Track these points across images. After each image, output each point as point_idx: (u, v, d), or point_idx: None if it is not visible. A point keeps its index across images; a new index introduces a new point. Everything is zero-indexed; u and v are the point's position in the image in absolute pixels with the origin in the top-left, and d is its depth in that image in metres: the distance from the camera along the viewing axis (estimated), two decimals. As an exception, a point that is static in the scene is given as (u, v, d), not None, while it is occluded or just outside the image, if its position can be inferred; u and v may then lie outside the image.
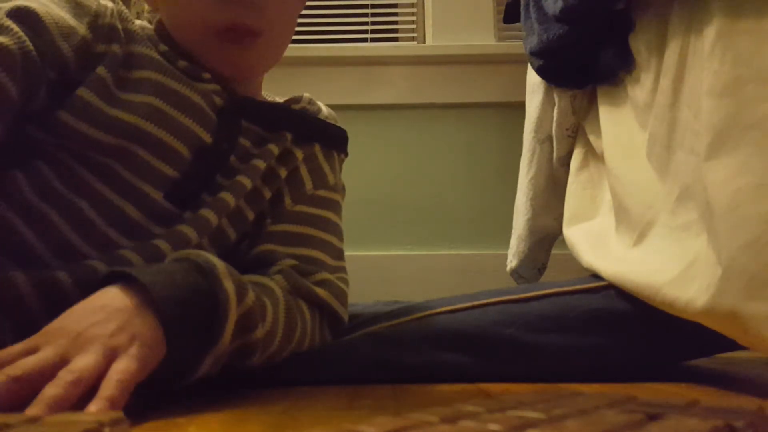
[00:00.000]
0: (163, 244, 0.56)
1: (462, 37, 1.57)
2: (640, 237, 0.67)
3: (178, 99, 0.60)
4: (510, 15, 0.97)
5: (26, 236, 0.54)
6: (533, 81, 0.94)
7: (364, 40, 1.67)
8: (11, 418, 0.31)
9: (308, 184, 0.70)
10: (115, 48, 0.59)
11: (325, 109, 0.75)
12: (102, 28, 0.59)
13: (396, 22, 1.72)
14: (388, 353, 0.65)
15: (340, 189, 0.74)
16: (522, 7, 0.89)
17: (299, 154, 0.69)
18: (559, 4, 0.74)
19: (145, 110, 0.58)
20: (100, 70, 0.58)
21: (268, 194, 0.66)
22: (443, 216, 1.48)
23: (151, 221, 0.58)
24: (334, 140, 0.74)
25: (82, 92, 0.57)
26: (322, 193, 0.70)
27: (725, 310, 0.53)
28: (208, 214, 0.60)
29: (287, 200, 0.68)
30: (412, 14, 1.70)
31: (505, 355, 0.66)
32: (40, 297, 0.51)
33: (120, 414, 0.32)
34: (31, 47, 0.53)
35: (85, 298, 0.45)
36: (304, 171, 0.70)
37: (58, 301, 0.48)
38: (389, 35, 1.71)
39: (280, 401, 0.51)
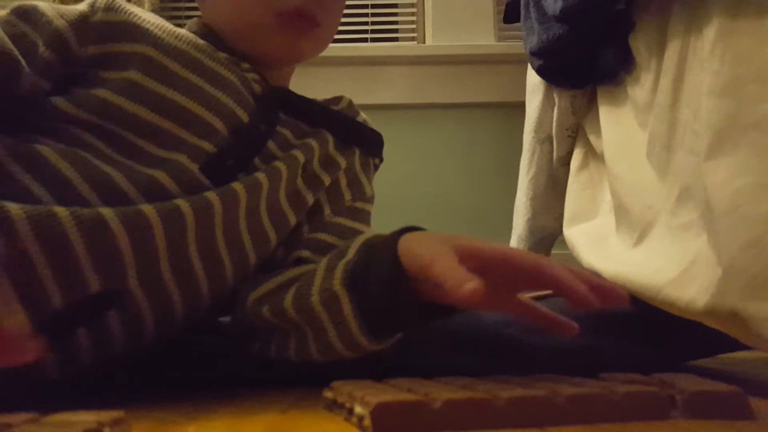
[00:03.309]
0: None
1: (462, 37, 1.57)
2: (641, 237, 0.67)
3: (214, 76, 0.61)
4: (510, 15, 0.97)
5: (44, 199, 0.52)
6: (533, 81, 0.94)
7: (364, 40, 1.67)
8: (12, 418, 0.31)
9: (347, 196, 0.71)
10: (127, 48, 0.60)
11: (362, 114, 0.76)
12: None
13: (396, 22, 1.72)
14: (388, 353, 0.65)
15: (372, 198, 0.75)
16: (522, 7, 0.89)
17: (342, 162, 0.70)
18: (559, 4, 0.74)
19: (182, 85, 0.59)
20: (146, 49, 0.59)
21: (311, 200, 0.66)
22: (443, 216, 1.48)
23: (184, 192, 0.56)
24: (372, 145, 0.74)
25: (132, 75, 0.57)
26: (359, 205, 0.72)
27: (726, 311, 0.53)
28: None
29: (327, 210, 0.69)
30: (412, 14, 1.70)
31: (505, 355, 0.66)
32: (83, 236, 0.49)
33: (120, 414, 0.32)
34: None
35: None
36: (343, 183, 0.71)
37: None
38: (389, 35, 1.71)
39: (280, 401, 0.51)
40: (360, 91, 1.52)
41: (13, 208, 0.47)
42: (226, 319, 0.68)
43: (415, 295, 0.49)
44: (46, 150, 0.53)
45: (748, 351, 0.65)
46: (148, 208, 0.52)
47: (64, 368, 0.51)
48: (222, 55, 0.63)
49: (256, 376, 0.62)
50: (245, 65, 0.65)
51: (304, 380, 0.62)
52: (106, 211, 0.50)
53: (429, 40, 1.61)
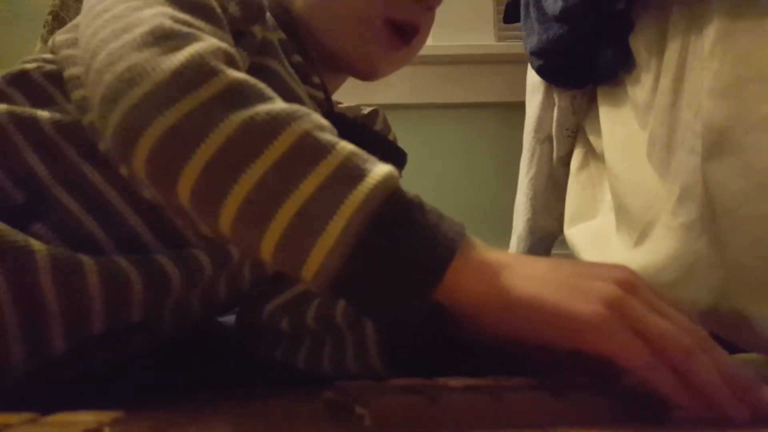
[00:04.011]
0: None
1: (462, 37, 1.57)
2: (641, 237, 0.67)
3: (290, 96, 0.57)
4: (510, 15, 0.97)
5: (88, 225, 0.50)
6: (533, 81, 0.94)
7: (364, 40, 1.67)
8: (11, 418, 0.31)
9: None
10: (256, 30, 0.56)
11: (392, 130, 0.76)
12: (252, 7, 0.56)
13: (396, 22, 1.72)
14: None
15: None
16: (522, 7, 0.89)
17: None
18: (559, 4, 0.74)
19: None
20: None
21: None
22: (443, 216, 1.48)
23: None
24: (398, 166, 0.74)
25: None
26: None
27: (729, 311, 0.53)
28: None
29: None
30: (412, 14, 1.70)
31: (504, 356, 0.66)
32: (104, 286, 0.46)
33: (120, 414, 0.32)
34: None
35: (152, 293, 0.46)
36: None
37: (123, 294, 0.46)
38: (389, 35, 1.71)
39: (281, 401, 0.51)
40: (360, 91, 1.51)
41: (86, 259, 0.46)
42: (225, 318, 0.68)
43: (444, 328, 0.48)
44: (93, 174, 0.50)
45: (748, 352, 0.65)
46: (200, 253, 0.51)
47: (75, 373, 0.51)
48: (297, 58, 0.60)
49: (255, 377, 0.62)
50: (316, 79, 0.62)
51: (304, 380, 0.62)
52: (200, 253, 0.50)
53: (429, 40, 1.61)
